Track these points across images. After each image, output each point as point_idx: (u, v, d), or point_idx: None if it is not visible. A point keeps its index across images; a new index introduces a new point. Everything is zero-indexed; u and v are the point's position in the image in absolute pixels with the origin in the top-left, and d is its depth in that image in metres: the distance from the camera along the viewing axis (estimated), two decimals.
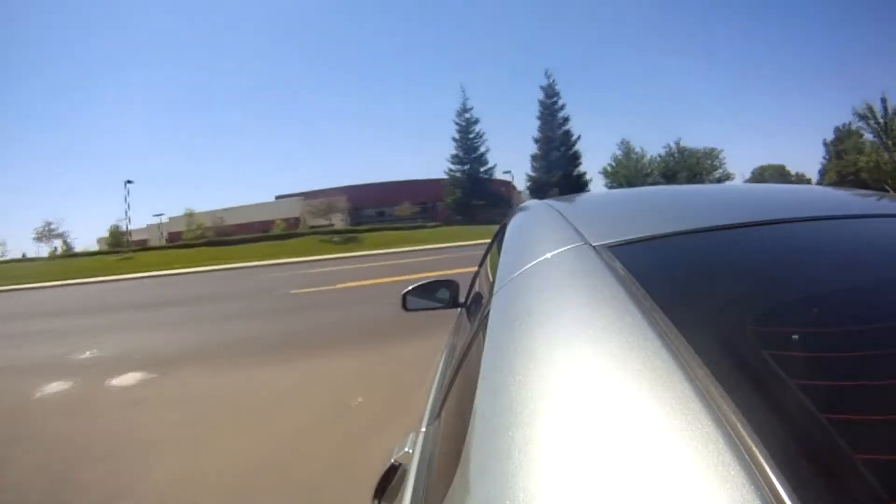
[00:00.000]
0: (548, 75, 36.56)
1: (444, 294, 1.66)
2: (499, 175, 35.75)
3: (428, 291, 1.69)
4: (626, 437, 0.28)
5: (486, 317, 0.59)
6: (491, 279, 0.73)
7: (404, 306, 1.71)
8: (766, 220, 0.62)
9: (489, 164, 35.19)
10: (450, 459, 0.45)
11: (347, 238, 24.52)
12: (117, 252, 26.26)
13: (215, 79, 73.26)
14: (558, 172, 33.82)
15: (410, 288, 1.70)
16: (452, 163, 35.20)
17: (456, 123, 35.53)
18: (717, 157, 58.52)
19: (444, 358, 1.14)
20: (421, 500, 0.54)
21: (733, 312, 0.42)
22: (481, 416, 0.39)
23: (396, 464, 0.72)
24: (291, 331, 5.26)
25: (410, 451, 0.71)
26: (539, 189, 34.25)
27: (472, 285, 1.44)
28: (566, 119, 36.47)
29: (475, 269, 1.48)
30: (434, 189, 34.56)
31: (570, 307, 0.45)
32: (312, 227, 28.48)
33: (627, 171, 43.62)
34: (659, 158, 48.95)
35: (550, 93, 36.07)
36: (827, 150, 55.16)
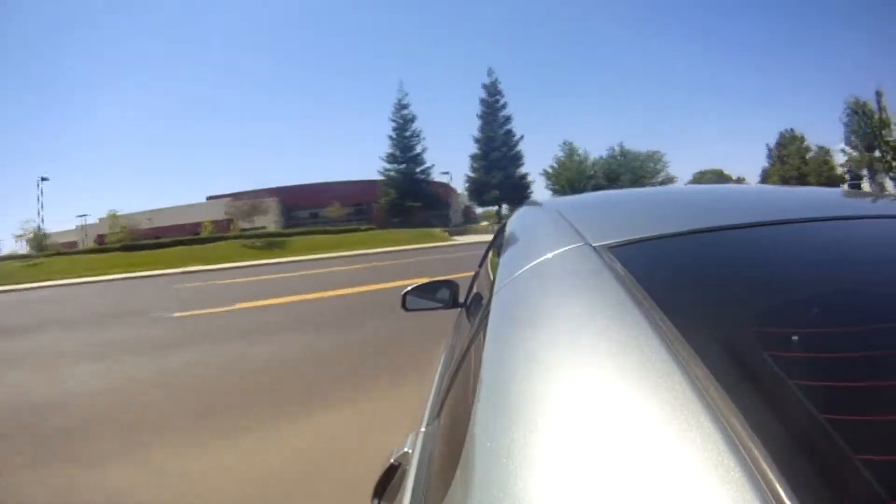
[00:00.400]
0: (490, 73, 35.63)
1: (443, 294, 1.65)
2: (437, 176, 34.87)
3: (428, 291, 1.68)
4: (626, 437, 0.28)
5: (486, 317, 0.59)
6: (491, 279, 0.73)
7: (404, 306, 1.69)
8: (765, 222, 0.63)
9: (426, 164, 33.98)
10: (449, 459, 0.45)
11: (271, 242, 23.35)
12: (28, 257, 23.97)
13: (167, 75, 69.91)
14: (499, 173, 33.05)
15: (410, 288, 1.69)
16: (388, 162, 33.66)
17: (392, 121, 33.75)
18: (661, 160, 60.04)
19: (444, 358, 1.12)
20: (420, 500, 0.53)
21: (733, 313, 0.43)
22: (481, 416, 0.39)
23: (396, 463, 0.71)
24: (123, 398, 3.25)
25: (410, 450, 0.71)
26: (478, 191, 33.81)
27: (472, 285, 1.44)
28: (508, 118, 35.43)
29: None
30: (369, 190, 33.33)
31: (570, 307, 0.45)
32: (244, 229, 26.90)
33: (570, 174, 43.25)
34: (602, 160, 49.02)
35: (493, 91, 35.06)
36: (770, 155, 57.30)
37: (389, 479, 0.71)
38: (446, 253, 15.61)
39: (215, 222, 28.09)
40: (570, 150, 45.16)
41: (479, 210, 39.54)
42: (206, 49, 77.58)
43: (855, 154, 29.34)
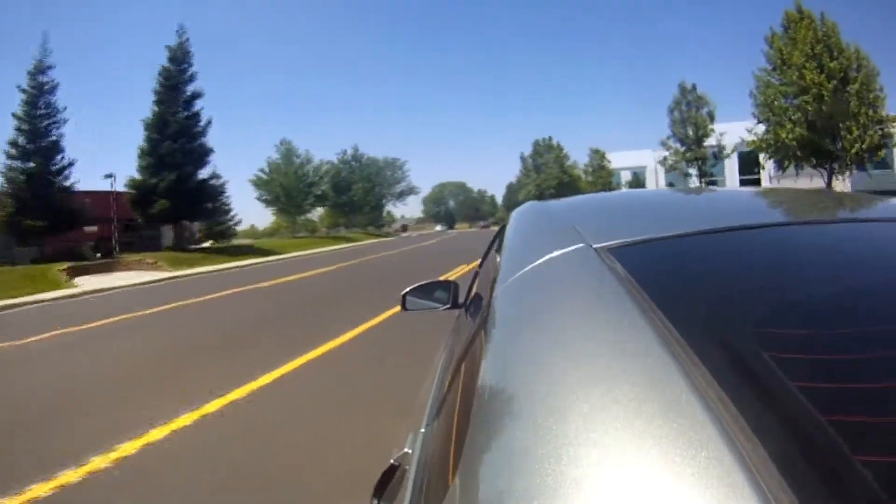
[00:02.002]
0: (180, 33, 23.66)
1: (443, 294, 1.65)
2: (95, 181, 23.51)
3: (427, 292, 1.68)
4: (626, 437, 0.28)
5: (486, 317, 0.59)
6: (491, 280, 0.73)
7: (403, 307, 1.70)
8: (765, 224, 0.64)
9: (66, 160, 20.39)
10: (449, 460, 0.45)
11: None
12: None
13: None
14: (170, 174, 21.44)
15: (409, 288, 1.70)
16: (13, 156, 19.53)
17: (24, 91, 19.83)
18: (401, 167, 53.50)
19: (443, 358, 1.13)
20: (420, 500, 0.53)
21: (733, 314, 0.43)
22: (481, 417, 0.39)
23: (396, 464, 0.72)
24: None
25: (410, 451, 0.71)
26: (142, 202, 21.85)
27: (472, 285, 1.46)
28: (195, 97, 23.33)
29: None
30: None
31: (570, 308, 0.46)
32: None
33: (286, 180, 36.53)
34: (331, 166, 44.23)
35: (180, 57, 23.23)
36: (523, 164, 54.07)
37: (389, 479, 0.71)
38: None
39: None
40: (286, 152, 38.07)
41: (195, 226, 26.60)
42: None
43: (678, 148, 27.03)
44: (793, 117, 16.99)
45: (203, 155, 23.65)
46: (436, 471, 0.53)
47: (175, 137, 22.19)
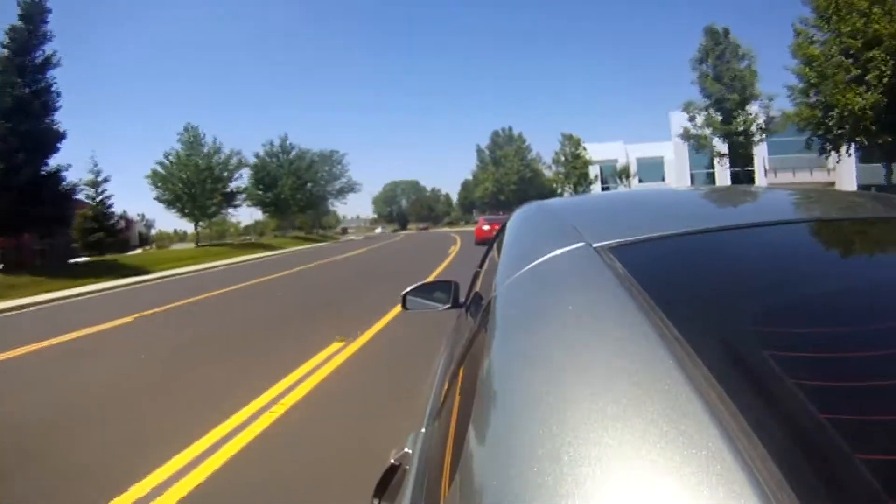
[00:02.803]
0: None
1: (443, 294, 1.64)
2: None
3: (428, 291, 1.68)
4: (626, 437, 0.28)
5: (486, 317, 0.59)
6: (492, 279, 0.73)
7: (404, 306, 1.69)
8: (765, 222, 0.64)
9: None
10: (450, 460, 0.45)
11: None
12: None
13: None
14: None
15: (410, 288, 1.68)
16: None
17: None
18: (339, 162, 45.86)
19: (444, 358, 1.13)
20: (421, 500, 0.54)
21: (733, 313, 0.43)
22: (481, 417, 0.39)
23: (396, 463, 0.72)
24: None
25: (410, 450, 0.72)
26: None
27: (472, 285, 1.44)
28: (49, 63, 15.87)
29: None
30: None
31: (570, 307, 0.45)
32: None
33: (189, 172, 27.17)
34: (253, 158, 36.24)
35: (35, 15, 15.45)
36: (480, 158, 48.93)
37: (390, 478, 0.71)
38: None
39: None
40: (191, 140, 28.37)
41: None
42: None
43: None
44: (868, 77, 12.00)
45: (45, 140, 15.82)
46: (436, 470, 0.53)
47: (9, 113, 14.69)
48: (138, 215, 51.25)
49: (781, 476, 0.24)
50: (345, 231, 68.22)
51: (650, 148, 36.01)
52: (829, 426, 0.29)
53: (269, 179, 37.56)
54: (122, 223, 28.78)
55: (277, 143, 40.17)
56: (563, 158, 35.85)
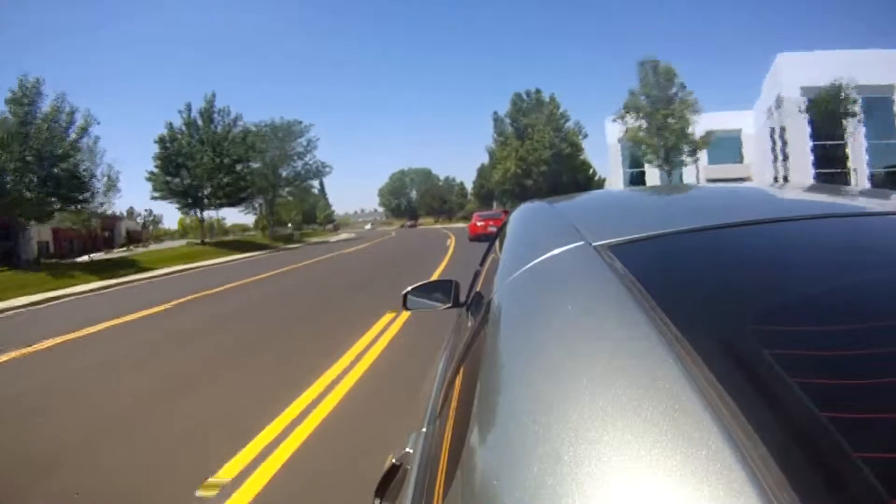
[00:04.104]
0: None
1: (444, 293, 1.64)
2: None
3: (428, 291, 1.68)
4: (626, 436, 0.28)
5: (486, 316, 0.59)
6: (492, 278, 0.73)
7: (404, 305, 1.69)
8: (766, 220, 0.63)
9: None
10: (451, 459, 0.45)
11: None
12: None
13: None
14: None
15: (410, 288, 1.69)
16: None
17: None
18: (302, 134, 34.43)
19: (444, 357, 1.13)
20: (422, 500, 0.54)
21: (733, 311, 0.43)
22: (482, 416, 0.39)
23: (397, 463, 0.72)
24: None
25: (411, 450, 0.71)
26: None
27: (472, 284, 1.44)
28: None
29: None
30: None
31: (570, 307, 0.45)
32: None
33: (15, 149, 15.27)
34: (177, 129, 26.25)
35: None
36: (498, 129, 37.00)
37: (391, 478, 0.71)
38: None
39: None
40: (19, 94, 16.15)
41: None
42: None
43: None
44: None
45: None
46: (437, 470, 0.53)
47: None
48: (146, 210, 50.01)
49: (782, 475, 0.24)
50: (336, 228, 63.20)
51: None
52: (830, 425, 0.29)
53: (180, 159, 26.24)
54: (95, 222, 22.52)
55: (198, 108, 27.26)
56: (644, 103, 21.93)
